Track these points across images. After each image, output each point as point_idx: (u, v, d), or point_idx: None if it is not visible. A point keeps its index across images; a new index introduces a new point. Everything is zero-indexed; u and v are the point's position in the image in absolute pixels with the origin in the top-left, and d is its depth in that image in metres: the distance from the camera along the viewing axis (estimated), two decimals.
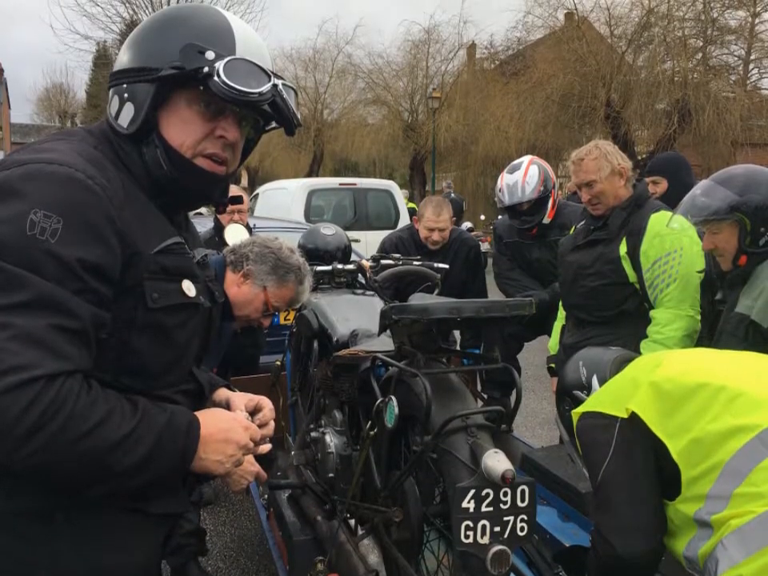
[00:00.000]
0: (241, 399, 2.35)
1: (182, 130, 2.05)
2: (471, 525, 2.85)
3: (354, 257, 5.79)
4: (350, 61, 42.39)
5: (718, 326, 4.16)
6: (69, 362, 1.72)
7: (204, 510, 6.24)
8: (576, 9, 31.08)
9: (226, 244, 4.94)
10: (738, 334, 3.87)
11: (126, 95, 2.04)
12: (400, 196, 17.82)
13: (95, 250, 1.79)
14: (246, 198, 7.60)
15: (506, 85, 34.58)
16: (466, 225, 22.16)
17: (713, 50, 29.62)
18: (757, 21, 29.01)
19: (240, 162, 2.25)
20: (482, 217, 35.40)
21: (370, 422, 3.52)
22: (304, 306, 4.87)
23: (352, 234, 7.18)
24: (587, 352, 3.63)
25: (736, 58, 30.15)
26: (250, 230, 6.41)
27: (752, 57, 29.70)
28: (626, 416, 2.91)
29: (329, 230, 5.77)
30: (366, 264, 5.26)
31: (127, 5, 35.07)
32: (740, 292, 3.95)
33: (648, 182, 6.71)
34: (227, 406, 2.33)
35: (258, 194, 19.15)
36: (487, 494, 2.88)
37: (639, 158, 27.75)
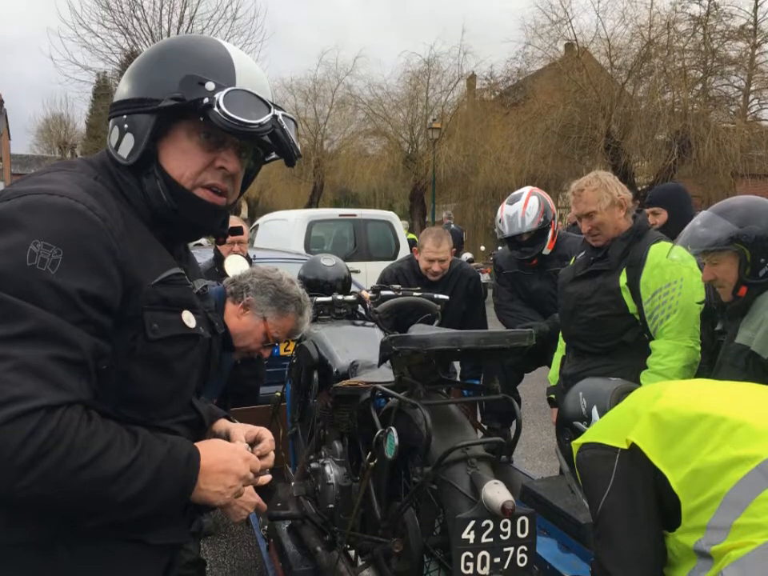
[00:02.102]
0: (241, 430, 2.35)
1: (182, 160, 2.06)
2: (471, 556, 2.85)
3: (353, 288, 5.80)
4: (350, 92, 42.49)
5: (718, 356, 4.16)
6: (69, 393, 1.71)
7: (204, 540, 6.22)
8: (576, 40, 31.22)
9: (225, 275, 4.95)
10: (738, 365, 3.87)
11: (126, 126, 2.05)
12: (400, 227, 17.84)
13: (95, 281, 1.79)
14: (245, 228, 7.62)
15: (506, 116, 34.66)
16: (466, 256, 22.22)
17: (713, 80, 29.75)
18: (757, 52, 29.18)
19: (240, 193, 2.26)
20: (482, 248, 35.47)
21: (369, 453, 3.52)
22: (304, 336, 4.88)
23: (352, 265, 7.19)
24: (587, 383, 3.62)
25: (736, 89, 30.27)
26: (249, 260, 6.41)
27: (752, 88, 29.83)
28: (626, 447, 2.91)
29: (329, 261, 5.78)
30: (366, 295, 5.27)
31: (127, 36, 35.19)
32: (740, 323, 3.95)
33: (648, 212, 6.73)
34: (227, 437, 2.32)
35: (257, 225, 19.18)
36: (487, 525, 2.88)
37: (639, 188, 27.80)
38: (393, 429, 3.26)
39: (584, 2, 32.34)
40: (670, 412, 2.86)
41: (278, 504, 5.07)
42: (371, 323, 5.04)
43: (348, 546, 3.98)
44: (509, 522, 2.89)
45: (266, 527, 4.96)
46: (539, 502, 4.68)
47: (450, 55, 46.54)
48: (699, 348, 4.81)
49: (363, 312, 5.21)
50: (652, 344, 4.93)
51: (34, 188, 1.86)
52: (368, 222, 17.51)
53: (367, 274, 14.44)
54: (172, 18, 35.27)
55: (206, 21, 35.31)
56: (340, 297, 5.23)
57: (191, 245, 2.55)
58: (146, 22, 35.19)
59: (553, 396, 5.75)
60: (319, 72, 43.24)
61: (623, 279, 4.99)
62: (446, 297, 5.69)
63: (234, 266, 5.19)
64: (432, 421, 3.03)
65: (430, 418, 3.03)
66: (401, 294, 5.35)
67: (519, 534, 2.92)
